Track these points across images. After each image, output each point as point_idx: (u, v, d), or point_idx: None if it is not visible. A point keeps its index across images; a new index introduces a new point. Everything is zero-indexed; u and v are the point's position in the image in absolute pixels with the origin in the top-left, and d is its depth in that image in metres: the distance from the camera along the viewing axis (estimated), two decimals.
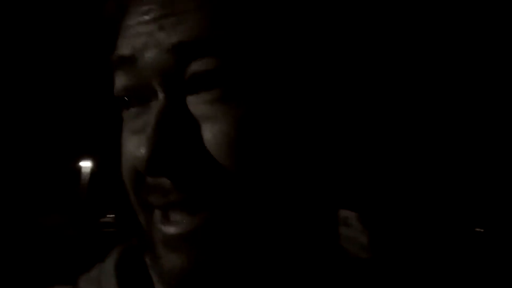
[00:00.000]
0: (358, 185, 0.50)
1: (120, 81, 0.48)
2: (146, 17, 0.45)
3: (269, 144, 0.44)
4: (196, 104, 0.44)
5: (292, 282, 0.48)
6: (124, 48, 0.47)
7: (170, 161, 0.42)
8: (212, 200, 0.43)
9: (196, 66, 0.43)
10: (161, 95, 0.45)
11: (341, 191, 0.50)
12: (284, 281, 0.47)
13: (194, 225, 0.43)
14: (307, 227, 0.48)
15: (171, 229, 0.44)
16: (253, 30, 0.45)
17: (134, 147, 0.45)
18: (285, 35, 0.46)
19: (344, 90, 0.48)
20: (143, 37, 0.45)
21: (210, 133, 0.43)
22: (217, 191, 0.43)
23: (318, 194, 0.48)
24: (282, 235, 0.46)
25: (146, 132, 0.43)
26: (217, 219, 0.43)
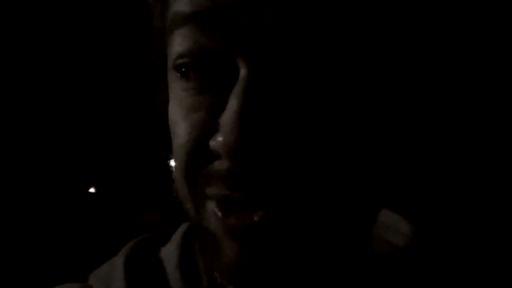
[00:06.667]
0: (401, 186, 0.50)
1: (183, 44, 0.40)
2: None
3: (345, 145, 0.40)
4: (281, 84, 0.38)
5: (324, 279, 0.46)
6: (195, 2, 0.39)
7: (261, 147, 0.36)
8: (280, 196, 0.39)
9: (296, 34, 0.37)
10: (244, 69, 0.38)
11: (383, 191, 0.49)
12: (319, 278, 0.46)
13: (259, 219, 0.39)
14: (347, 227, 0.46)
15: (234, 220, 0.40)
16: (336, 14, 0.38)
17: (201, 125, 0.39)
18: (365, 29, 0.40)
19: (405, 89, 0.46)
20: None
21: (295, 124, 0.38)
22: (289, 188, 0.39)
23: (365, 195, 0.46)
24: (329, 235, 0.44)
25: (230, 110, 0.37)
26: (283, 215, 0.39)
